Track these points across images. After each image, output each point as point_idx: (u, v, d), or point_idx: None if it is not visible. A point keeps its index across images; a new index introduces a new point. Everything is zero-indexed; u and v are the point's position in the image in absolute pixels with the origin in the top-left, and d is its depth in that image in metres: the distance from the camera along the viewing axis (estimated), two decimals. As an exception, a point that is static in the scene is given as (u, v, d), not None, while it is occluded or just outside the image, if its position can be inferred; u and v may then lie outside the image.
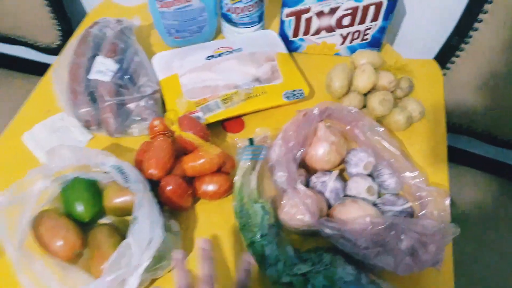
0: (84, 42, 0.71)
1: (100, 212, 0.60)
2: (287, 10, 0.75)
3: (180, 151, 0.63)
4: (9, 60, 1.33)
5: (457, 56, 0.85)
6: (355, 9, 0.74)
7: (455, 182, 0.91)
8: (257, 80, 0.73)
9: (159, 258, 0.53)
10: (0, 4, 1.00)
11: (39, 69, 1.10)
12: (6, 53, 1.32)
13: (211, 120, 0.69)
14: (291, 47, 0.82)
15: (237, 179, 0.61)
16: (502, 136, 0.92)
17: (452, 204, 0.84)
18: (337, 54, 0.83)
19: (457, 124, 0.94)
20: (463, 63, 0.85)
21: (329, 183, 0.61)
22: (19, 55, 1.32)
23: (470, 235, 0.80)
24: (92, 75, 0.68)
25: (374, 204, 0.60)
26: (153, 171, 0.59)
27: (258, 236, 0.56)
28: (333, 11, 0.74)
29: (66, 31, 1.04)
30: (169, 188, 0.58)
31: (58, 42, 1.06)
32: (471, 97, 0.88)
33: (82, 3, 1.09)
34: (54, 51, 1.08)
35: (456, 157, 0.98)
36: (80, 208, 0.58)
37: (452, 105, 0.90)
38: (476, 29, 0.80)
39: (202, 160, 0.60)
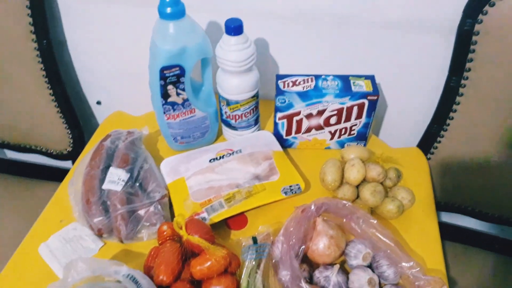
0: (98, 155, 0.77)
1: (111, 322, 0.62)
2: (279, 114, 0.83)
3: (188, 254, 0.66)
4: (18, 166, 1.38)
5: (439, 142, 0.92)
6: (340, 110, 0.82)
7: (455, 261, 0.93)
8: (257, 178, 0.79)
9: None
10: (16, 116, 1.08)
11: (47, 173, 1.16)
12: (16, 159, 1.39)
13: (216, 220, 0.73)
14: (285, 144, 0.89)
15: (243, 279, 0.64)
16: (490, 211, 0.97)
17: (454, 283, 0.85)
18: (327, 147, 0.90)
19: (449, 203, 0.99)
20: (444, 148, 0.92)
21: (332, 278, 0.64)
22: (28, 160, 1.37)
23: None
24: (105, 186, 0.73)
25: (376, 296, 0.63)
26: (163, 277, 0.62)
27: (267, 336, 0.58)
28: (320, 112, 0.82)
29: (77, 138, 1.11)
30: (178, 294, 0.61)
31: (69, 149, 1.12)
32: (457, 177, 0.93)
33: (93, 112, 1.19)
34: (64, 157, 1.15)
35: (457, 236, 1.02)
36: (92, 320, 0.60)
37: (441, 186, 0.96)
38: (452, 118, 0.88)
39: (209, 263, 0.63)
